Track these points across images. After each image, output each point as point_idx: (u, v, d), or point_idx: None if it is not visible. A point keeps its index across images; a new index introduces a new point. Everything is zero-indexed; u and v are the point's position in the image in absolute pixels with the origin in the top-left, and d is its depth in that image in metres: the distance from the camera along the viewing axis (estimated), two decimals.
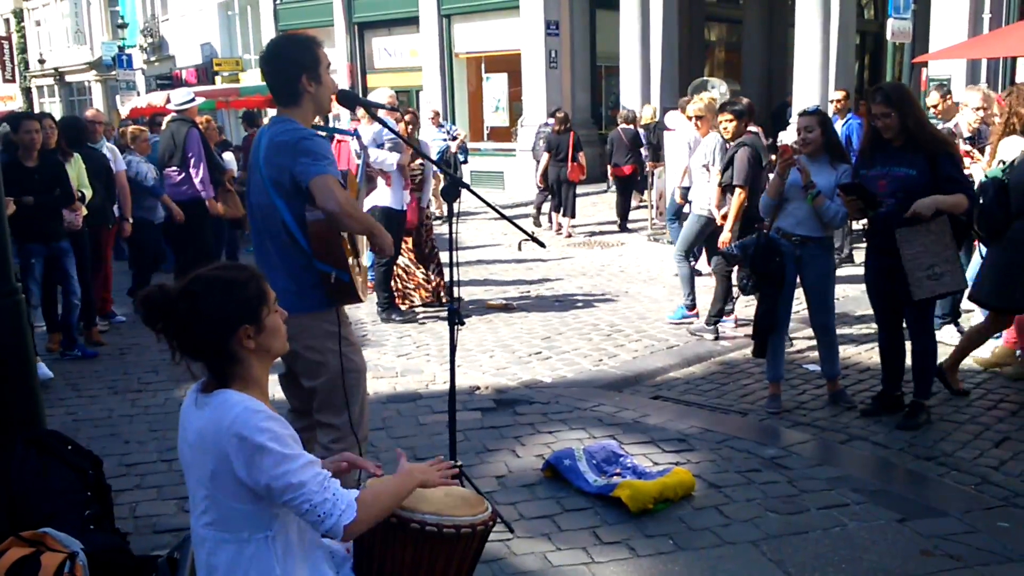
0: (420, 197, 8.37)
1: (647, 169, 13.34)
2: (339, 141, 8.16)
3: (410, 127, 8.37)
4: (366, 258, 3.72)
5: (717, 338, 7.21)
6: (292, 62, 3.39)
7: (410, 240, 8.45)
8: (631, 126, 13.79)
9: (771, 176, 5.56)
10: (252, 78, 24.97)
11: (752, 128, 7.31)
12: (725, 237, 6.89)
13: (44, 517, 3.28)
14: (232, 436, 2.07)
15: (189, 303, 2.15)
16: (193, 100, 9.43)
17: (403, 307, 8.41)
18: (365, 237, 3.60)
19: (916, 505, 4.03)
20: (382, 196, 7.79)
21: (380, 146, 7.70)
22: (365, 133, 7.67)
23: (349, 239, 3.44)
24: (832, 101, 9.84)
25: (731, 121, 6.91)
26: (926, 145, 4.77)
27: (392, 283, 8.29)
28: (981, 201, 5.18)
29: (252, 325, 2.20)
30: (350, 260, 3.36)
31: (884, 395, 5.35)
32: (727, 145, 7.08)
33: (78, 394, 6.19)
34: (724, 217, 7.00)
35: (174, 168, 8.93)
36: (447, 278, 8.30)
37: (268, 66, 3.46)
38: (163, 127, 9.67)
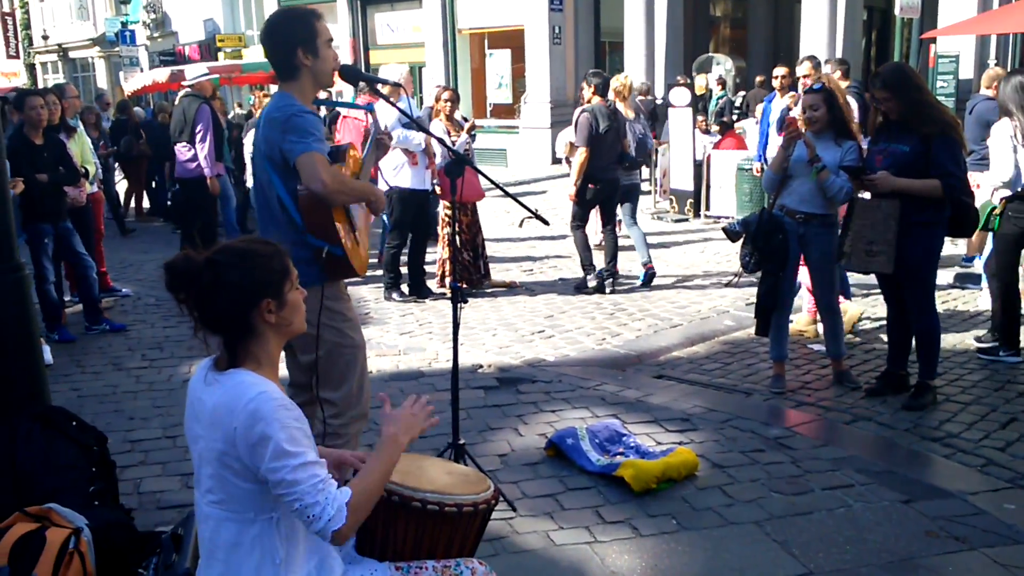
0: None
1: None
2: (344, 117, 8.08)
3: (449, 104, 8.16)
4: (367, 231, 3.70)
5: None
6: (288, 36, 3.38)
7: (467, 220, 8.14)
8: (647, 97, 13.99)
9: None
10: (255, 54, 24.83)
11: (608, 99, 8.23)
12: (571, 191, 8.03)
13: (49, 493, 3.30)
14: (244, 419, 2.06)
15: (213, 272, 2.14)
16: (207, 74, 9.32)
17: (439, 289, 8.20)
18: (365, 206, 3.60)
19: (921, 486, 4.03)
20: (403, 177, 7.66)
21: (407, 124, 7.57)
22: (391, 112, 7.57)
23: (345, 211, 3.43)
24: (775, 77, 9.07)
25: (589, 88, 8.02)
26: (922, 126, 4.84)
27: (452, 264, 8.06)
28: None
29: (274, 299, 2.20)
30: (343, 234, 3.34)
31: (889, 374, 5.34)
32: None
33: (82, 370, 6.20)
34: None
35: (184, 144, 8.81)
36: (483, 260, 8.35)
37: (267, 41, 3.45)
38: (176, 102, 9.59)
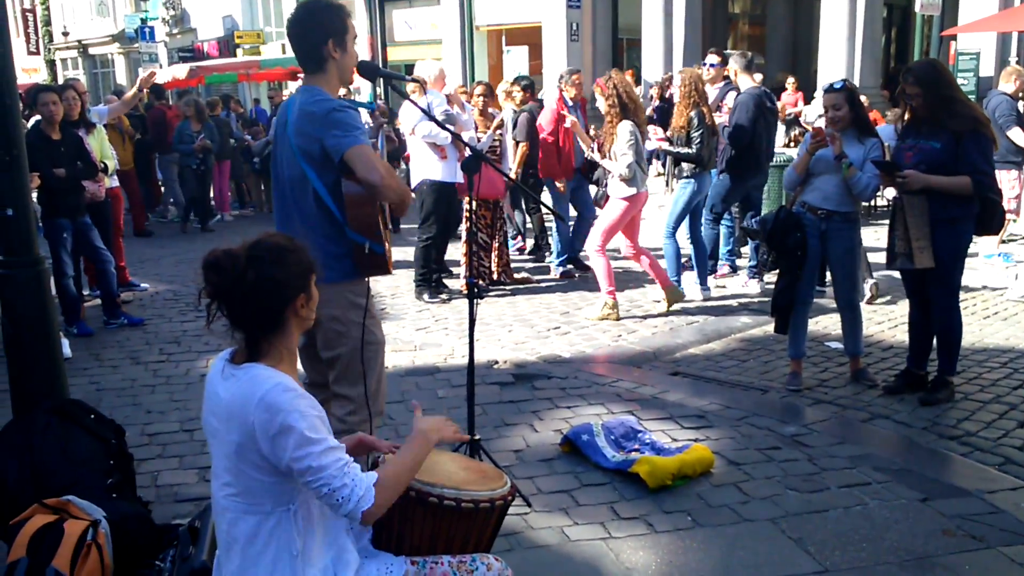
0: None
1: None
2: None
3: (482, 99, 8.22)
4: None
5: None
6: (320, 26, 3.33)
7: (489, 216, 8.14)
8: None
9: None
10: (273, 51, 24.97)
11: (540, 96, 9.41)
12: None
13: (67, 485, 3.32)
14: (261, 412, 2.07)
15: (256, 270, 2.15)
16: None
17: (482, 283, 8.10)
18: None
19: (939, 484, 4.00)
20: (434, 170, 7.63)
21: (432, 119, 7.52)
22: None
23: (381, 209, 3.42)
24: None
25: (521, 92, 8.93)
26: (951, 123, 4.82)
27: (468, 260, 7.76)
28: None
29: (305, 294, 2.23)
30: (384, 232, 3.34)
31: (908, 373, 5.31)
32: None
33: (100, 364, 6.24)
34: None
35: None
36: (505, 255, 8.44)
37: (296, 29, 3.39)
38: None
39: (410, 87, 7.64)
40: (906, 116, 5.14)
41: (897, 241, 5.01)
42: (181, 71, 20.24)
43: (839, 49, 15.62)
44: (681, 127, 7.40)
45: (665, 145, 7.63)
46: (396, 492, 2.20)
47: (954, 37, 14.91)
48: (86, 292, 7.75)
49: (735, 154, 7.67)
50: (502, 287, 8.26)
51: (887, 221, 5.30)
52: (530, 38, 19.81)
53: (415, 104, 4.27)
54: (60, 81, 33.92)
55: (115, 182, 8.40)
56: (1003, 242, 8.81)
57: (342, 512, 2.12)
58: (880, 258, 5.89)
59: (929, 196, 4.83)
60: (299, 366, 3.67)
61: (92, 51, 39.20)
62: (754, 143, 7.61)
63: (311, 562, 2.19)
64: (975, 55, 14.55)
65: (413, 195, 3.66)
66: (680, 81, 7.64)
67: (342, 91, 3.64)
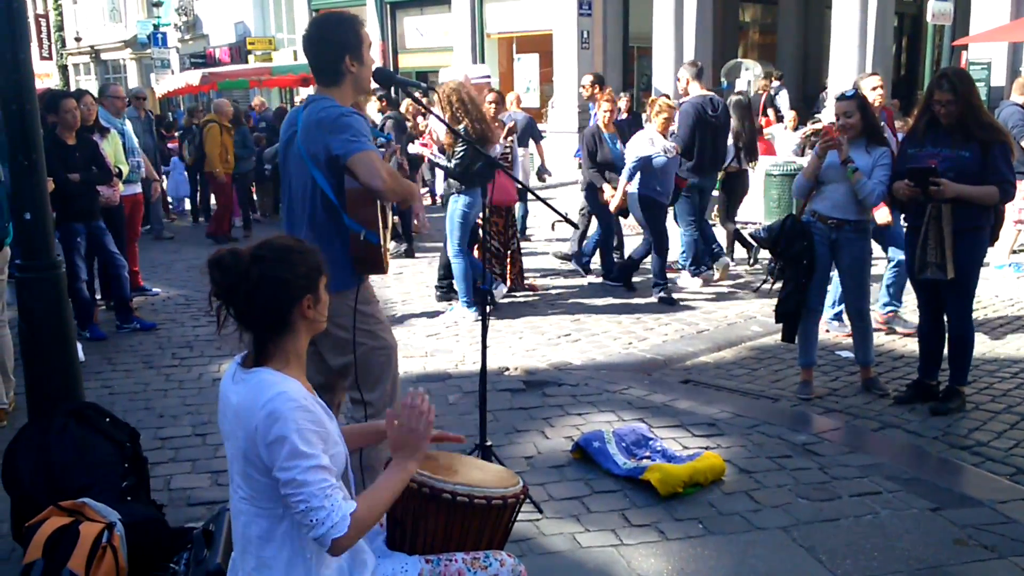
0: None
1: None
2: None
3: (493, 106, 8.23)
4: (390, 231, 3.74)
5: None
6: (336, 42, 3.38)
7: (501, 223, 8.11)
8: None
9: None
10: (285, 57, 25.07)
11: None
12: None
13: (82, 487, 3.35)
14: (263, 418, 2.09)
15: (260, 268, 2.17)
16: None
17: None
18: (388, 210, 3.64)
19: (950, 494, 3.99)
20: None
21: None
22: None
23: (380, 209, 3.46)
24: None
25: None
26: (980, 132, 4.79)
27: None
28: None
29: (312, 295, 2.24)
30: (380, 226, 3.38)
31: (919, 383, 5.30)
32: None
33: (113, 368, 6.28)
34: None
35: None
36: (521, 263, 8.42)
37: (312, 46, 3.44)
38: None
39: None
40: (910, 121, 5.10)
41: (929, 251, 4.89)
42: (194, 77, 20.34)
43: (850, 58, 15.58)
44: (448, 144, 7.10)
45: (427, 153, 7.48)
46: (370, 525, 2.18)
47: (965, 47, 14.88)
48: (97, 297, 7.79)
49: (681, 160, 8.11)
50: (513, 295, 8.27)
51: None
52: (541, 46, 19.85)
53: (434, 115, 4.29)
54: (72, 86, 34.18)
55: (137, 188, 8.40)
56: (1013, 252, 8.79)
57: (312, 535, 2.08)
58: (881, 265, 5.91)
59: (955, 205, 4.79)
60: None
61: (104, 56, 39.39)
62: (697, 149, 8.13)
63: (326, 563, 2.20)
64: (986, 65, 14.52)
65: (424, 190, 3.72)
66: (436, 97, 7.22)
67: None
